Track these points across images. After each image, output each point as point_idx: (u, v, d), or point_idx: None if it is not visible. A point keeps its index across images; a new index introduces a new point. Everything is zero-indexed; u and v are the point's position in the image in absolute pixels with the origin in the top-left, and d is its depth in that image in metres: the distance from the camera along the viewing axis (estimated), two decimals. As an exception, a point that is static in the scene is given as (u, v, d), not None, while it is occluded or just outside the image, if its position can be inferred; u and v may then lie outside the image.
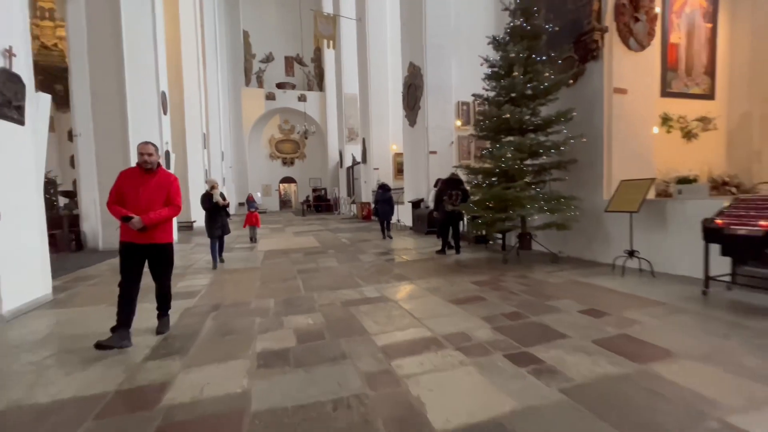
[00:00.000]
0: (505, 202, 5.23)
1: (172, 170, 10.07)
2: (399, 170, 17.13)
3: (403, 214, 11.71)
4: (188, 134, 13.98)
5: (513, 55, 5.16)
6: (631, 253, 4.54)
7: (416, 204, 10.92)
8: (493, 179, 5.70)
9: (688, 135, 6.03)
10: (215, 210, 6.10)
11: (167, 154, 9.38)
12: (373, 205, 16.21)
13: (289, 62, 28.92)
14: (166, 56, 9.79)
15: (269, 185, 28.13)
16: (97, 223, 8.34)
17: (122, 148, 8.36)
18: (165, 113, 9.40)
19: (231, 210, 17.23)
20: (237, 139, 26.01)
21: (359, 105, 18.38)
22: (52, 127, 13.61)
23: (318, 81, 28.69)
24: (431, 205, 7.42)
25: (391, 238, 9.83)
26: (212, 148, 20.04)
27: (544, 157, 5.47)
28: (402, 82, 12.31)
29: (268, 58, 28.30)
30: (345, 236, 10.26)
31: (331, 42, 16.47)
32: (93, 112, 8.24)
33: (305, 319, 3.35)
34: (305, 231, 12.03)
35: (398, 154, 16.96)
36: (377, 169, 16.72)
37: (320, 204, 25.93)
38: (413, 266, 5.66)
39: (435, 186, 7.43)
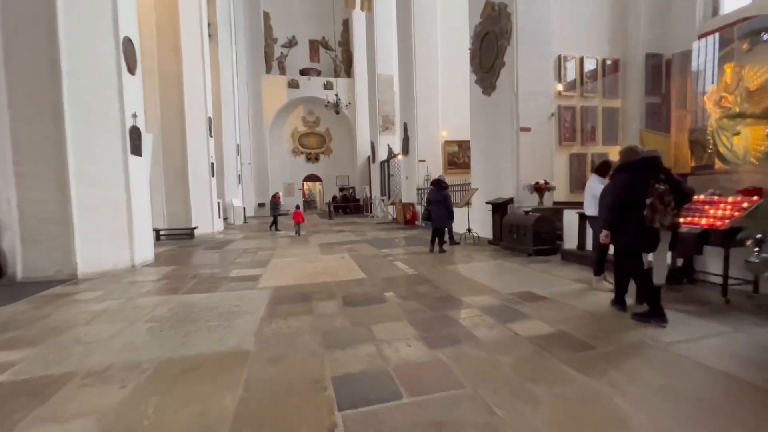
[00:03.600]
0: None
1: (147, 157, 6.98)
2: (451, 162, 13.61)
3: (475, 221, 8.16)
4: (188, 115, 10.96)
5: None
6: None
7: (500, 206, 7.35)
8: None
9: None
10: None
11: (134, 131, 6.25)
12: (422, 208, 12.76)
13: (314, 46, 25.88)
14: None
15: (292, 184, 25.17)
16: (15, 238, 5.27)
17: (53, 119, 5.27)
18: (132, 72, 6.28)
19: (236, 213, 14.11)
20: (257, 133, 23.21)
21: (399, 84, 14.94)
22: None
23: (346, 66, 25.52)
24: (589, 212, 3.83)
25: (444, 251, 6.75)
26: (226, 140, 17.23)
27: None
28: (470, 34, 8.75)
29: (291, 42, 25.39)
30: (396, 254, 6.83)
31: (365, 2, 13.14)
32: (6, 63, 5.18)
33: None
34: (336, 243, 8.69)
35: (449, 142, 13.45)
36: (423, 161, 13.25)
37: (349, 205, 22.73)
38: (630, 372, 2.14)
39: (597, 172, 3.82)
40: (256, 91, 23.05)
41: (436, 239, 7.01)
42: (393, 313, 3.41)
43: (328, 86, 24.02)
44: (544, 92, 7.48)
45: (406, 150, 14.06)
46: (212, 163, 12.12)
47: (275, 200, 12.86)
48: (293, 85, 23.89)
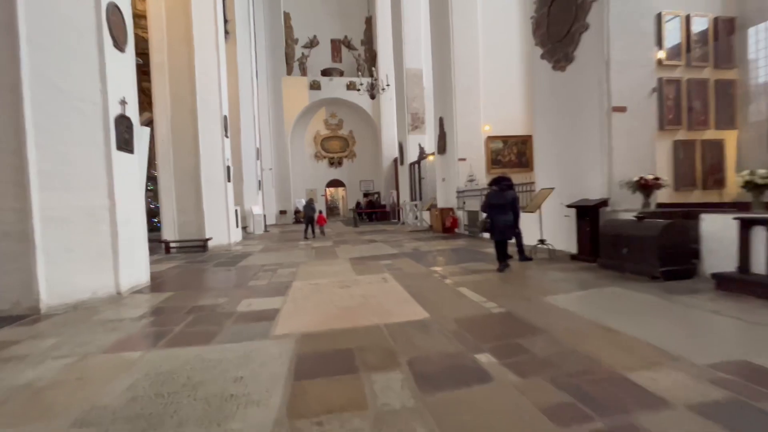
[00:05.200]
0: None
1: (142, 154, 5.68)
2: (494, 161, 11.89)
3: (549, 231, 6.41)
4: (201, 113, 9.76)
5: None
6: None
7: (588, 210, 5.62)
8: None
9: None
10: None
11: (122, 122, 4.93)
12: (464, 213, 11.09)
13: (336, 46, 24.78)
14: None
15: (314, 190, 23.93)
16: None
17: (10, 101, 4.00)
18: (120, 48, 4.99)
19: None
20: (278, 137, 22.19)
21: (434, 75, 13.33)
22: None
23: (369, 66, 24.22)
24: None
25: (507, 266, 5.30)
26: (245, 144, 16.11)
27: None
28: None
29: (312, 43, 24.37)
30: (452, 273, 5.18)
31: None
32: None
33: None
34: (370, 257, 7.14)
35: (493, 138, 11.74)
36: (464, 159, 11.58)
37: (375, 211, 21.28)
38: None
39: None
40: (277, 94, 22.09)
41: (504, 254, 5.38)
42: (521, 416, 1.79)
43: (351, 86, 22.81)
44: (641, 61, 5.71)
45: (442, 149, 12.44)
46: (228, 167, 10.88)
47: (311, 204, 12.59)
48: (315, 86, 22.81)
